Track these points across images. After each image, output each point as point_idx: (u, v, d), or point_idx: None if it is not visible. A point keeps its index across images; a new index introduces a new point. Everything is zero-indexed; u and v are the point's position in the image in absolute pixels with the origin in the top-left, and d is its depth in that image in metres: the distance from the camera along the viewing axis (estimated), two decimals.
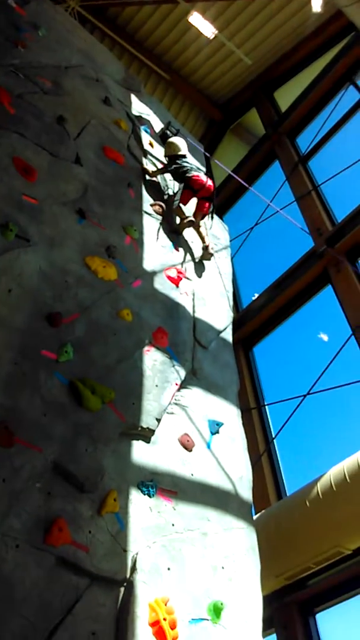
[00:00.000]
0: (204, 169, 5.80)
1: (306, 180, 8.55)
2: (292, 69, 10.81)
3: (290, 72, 10.86)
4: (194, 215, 4.64)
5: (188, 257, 4.40)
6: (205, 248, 4.52)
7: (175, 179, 4.69)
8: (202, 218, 4.66)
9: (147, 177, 4.53)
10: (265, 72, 11.19)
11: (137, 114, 5.27)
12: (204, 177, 4.54)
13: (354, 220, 6.95)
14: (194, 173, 4.52)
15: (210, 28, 9.94)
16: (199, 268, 4.47)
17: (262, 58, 10.92)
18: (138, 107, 5.44)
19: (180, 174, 4.54)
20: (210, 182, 4.54)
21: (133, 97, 5.49)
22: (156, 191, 4.57)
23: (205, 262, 4.56)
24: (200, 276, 4.40)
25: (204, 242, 4.58)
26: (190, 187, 4.49)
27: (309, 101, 9.31)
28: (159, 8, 10.32)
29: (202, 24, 9.87)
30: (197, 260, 4.51)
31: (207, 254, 4.51)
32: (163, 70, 11.29)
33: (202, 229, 4.65)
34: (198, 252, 4.58)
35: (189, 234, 4.63)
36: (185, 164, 4.61)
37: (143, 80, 10.54)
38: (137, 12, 10.53)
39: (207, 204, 4.60)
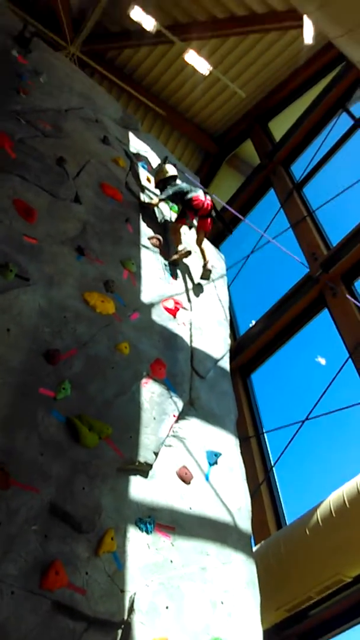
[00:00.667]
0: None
1: (301, 206, 8.70)
2: (285, 99, 11.11)
3: (283, 103, 11.16)
4: (197, 233, 4.91)
5: (185, 287, 4.49)
6: (205, 266, 4.69)
7: (175, 202, 4.92)
8: (205, 236, 4.95)
9: (148, 207, 4.68)
10: (260, 103, 11.51)
11: (134, 151, 5.44)
12: (202, 197, 4.78)
13: (348, 244, 7.07)
14: (193, 194, 4.76)
15: (206, 65, 10.31)
16: (197, 290, 4.61)
17: (256, 90, 11.25)
18: (136, 144, 5.63)
19: (181, 197, 4.77)
20: (208, 201, 4.80)
21: (131, 135, 5.68)
22: (154, 224, 4.70)
23: (202, 291, 4.67)
24: (198, 296, 4.53)
25: (204, 259, 4.77)
26: (191, 207, 4.73)
27: (302, 129, 9.53)
28: (155, 48, 10.75)
29: (197, 61, 10.25)
30: (196, 280, 4.68)
31: (206, 272, 4.65)
32: (160, 107, 11.64)
33: (205, 247, 4.89)
34: (196, 281, 4.69)
35: (187, 263, 4.75)
36: (183, 187, 4.85)
37: (140, 118, 10.95)
38: (135, 53, 10.97)
39: (208, 221, 4.89)
